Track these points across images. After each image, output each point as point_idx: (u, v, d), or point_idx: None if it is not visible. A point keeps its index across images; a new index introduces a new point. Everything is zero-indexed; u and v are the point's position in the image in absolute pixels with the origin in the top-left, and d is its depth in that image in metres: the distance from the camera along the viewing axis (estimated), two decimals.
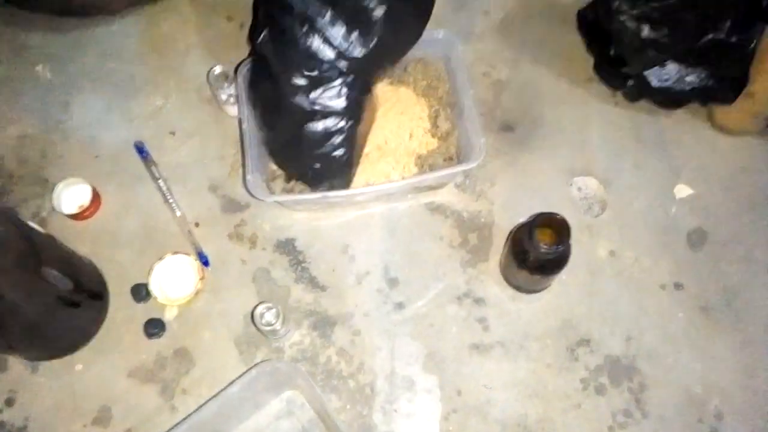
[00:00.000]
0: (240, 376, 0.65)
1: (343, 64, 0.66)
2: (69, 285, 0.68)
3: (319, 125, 0.68)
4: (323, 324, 0.75)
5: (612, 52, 0.80)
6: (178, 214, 0.79)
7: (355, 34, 0.66)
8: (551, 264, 0.68)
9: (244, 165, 0.78)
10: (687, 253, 0.78)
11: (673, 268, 0.77)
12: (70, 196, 0.78)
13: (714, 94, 0.79)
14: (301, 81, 0.67)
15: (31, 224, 0.66)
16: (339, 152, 0.71)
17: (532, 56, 0.87)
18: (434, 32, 0.78)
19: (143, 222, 0.79)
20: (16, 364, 0.73)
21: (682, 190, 0.80)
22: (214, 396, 0.66)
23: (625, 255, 0.78)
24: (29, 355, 0.73)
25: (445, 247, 0.78)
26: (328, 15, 0.65)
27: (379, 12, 0.65)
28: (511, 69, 0.87)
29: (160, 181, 0.80)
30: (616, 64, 0.80)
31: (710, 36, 0.74)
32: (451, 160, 0.79)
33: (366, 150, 0.79)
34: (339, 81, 0.67)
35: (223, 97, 0.81)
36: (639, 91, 0.81)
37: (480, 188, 0.81)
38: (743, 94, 0.77)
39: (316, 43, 0.66)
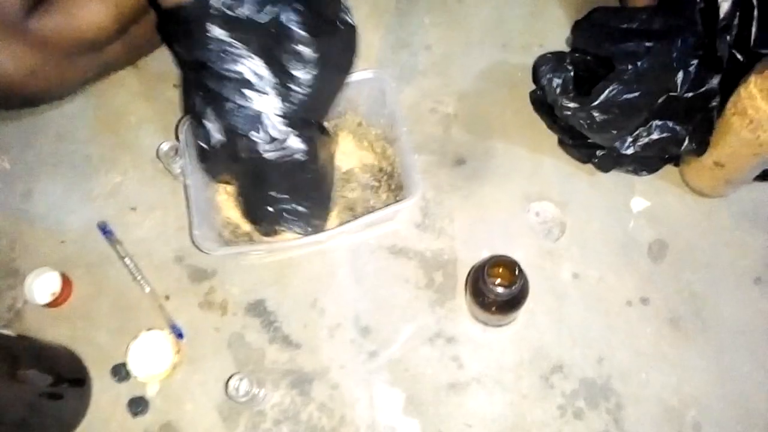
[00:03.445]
0: None
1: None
2: (48, 380, 0.70)
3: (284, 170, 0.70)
4: (301, 381, 0.76)
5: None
6: (147, 290, 0.80)
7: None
8: (510, 303, 0.69)
9: (190, 221, 0.78)
10: (649, 266, 0.78)
11: (637, 283, 0.78)
12: (42, 285, 0.79)
13: (684, 145, 0.77)
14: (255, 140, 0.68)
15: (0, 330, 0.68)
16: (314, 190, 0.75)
17: (476, 87, 0.88)
18: (365, 72, 0.79)
19: (115, 301, 0.81)
20: None
21: (638, 203, 0.81)
22: None
23: (589, 275, 0.78)
24: None
25: (412, 289, 0.79)
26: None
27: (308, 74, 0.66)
28: (458, 102, 0.87)
29: (126, 258, 0.82)
30: (583, 137, 0.79)
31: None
32: (398, 191, 0.80)
33: None
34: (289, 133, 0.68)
35: (177, 170, 0.82)
36: (610, 161, 0.81)
37: (440, 225, 0.82)
38: (714, 164, 0.75)
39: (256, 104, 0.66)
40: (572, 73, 0.78)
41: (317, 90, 0.67)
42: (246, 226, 0.81)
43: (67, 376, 0.74)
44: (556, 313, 0.77)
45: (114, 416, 0.76)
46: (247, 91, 0.66)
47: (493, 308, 0.69)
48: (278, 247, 0.78)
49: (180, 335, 0.78)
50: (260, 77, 0.66)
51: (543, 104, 0.83)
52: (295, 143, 0.68)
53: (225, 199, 0.82)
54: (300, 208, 0.75)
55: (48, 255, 0.84)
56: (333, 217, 0.81)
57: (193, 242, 0.78)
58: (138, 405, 0.76)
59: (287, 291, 0.80)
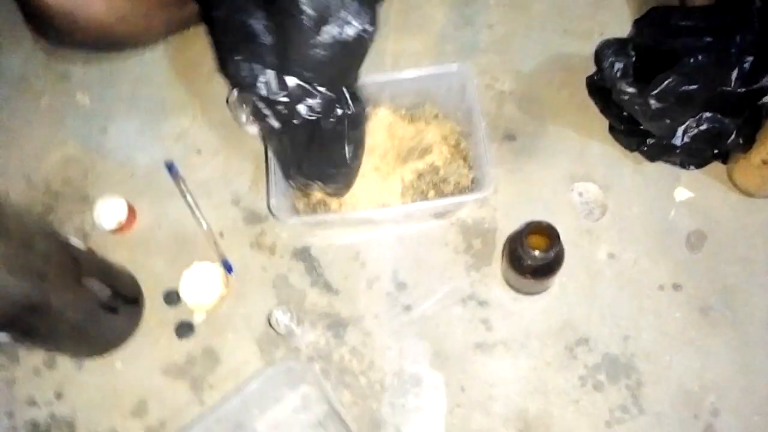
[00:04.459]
0: (258, 374, 0.72)
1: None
2: (107, 292, 0.76)
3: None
4: (336, 325, 0.80)
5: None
6: (204, 226, 0.86)
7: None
8: (545, 269, 0.72)
9: (268, 189, 0.83)
10: (686, 254, 0.80)
11: (672, 269, 0.79)
12: (109, 212, 0.86)
13: (731, 139, 0.79)
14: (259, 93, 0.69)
15: (72, 240, 0.74)
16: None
17: (533, 68, 0.91)
18: (449, 66, 0.83)
19: (173, 234, 0.87)
20: (63, 362, 0.82)
21: (682, 194, 0.83)
22: (236, 391, 0.73)
23: (624, 257, 0.80)
24: (74, 354, 0.81)
25: (450, 253, 0.83)
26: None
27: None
28: (513, 80, 0.90)
29: (188, 196, 0.88)
30: (635, 123, 0.81)
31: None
32: (469, 182, 0.83)
33: (390, 177, 0.84)
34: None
35: (243, 118, 0.87)
36: (659, 150, 0.83)
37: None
38: (762, 162, 0.76)
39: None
40: (633, 59, 0.80)
41: (320, 47, 0.65)
42: (318, 195, 0.83)
43: (124, 292, 0.81)
44: (588, 289, 0.79)
45: (162, 336, 0.82)
46: (251, 45, 0.67)
47: (528, 273, 0.72)
48: (349, 219, 0.81)
49: (229, 270, 0.84)
50: (262, 32, 0.66)
51: (599, 89, 0.85)
52: (302, 100, 0.67)
53: None
54: (315, 168, 0.77)
55: (117, 186, 0.90)
56: (406, 198, 0.83)
57: (269, 210, 0.83)
58: (184, 329, 0.82)
59: (332, 242, 0.85)
